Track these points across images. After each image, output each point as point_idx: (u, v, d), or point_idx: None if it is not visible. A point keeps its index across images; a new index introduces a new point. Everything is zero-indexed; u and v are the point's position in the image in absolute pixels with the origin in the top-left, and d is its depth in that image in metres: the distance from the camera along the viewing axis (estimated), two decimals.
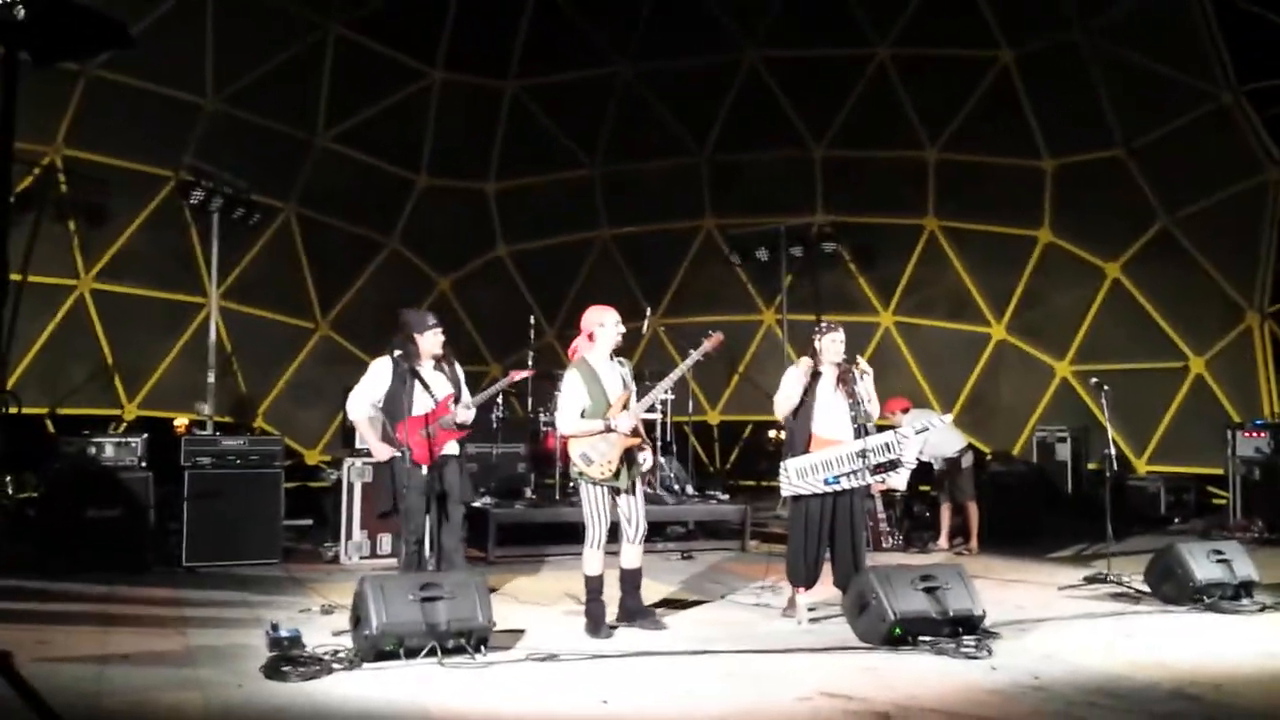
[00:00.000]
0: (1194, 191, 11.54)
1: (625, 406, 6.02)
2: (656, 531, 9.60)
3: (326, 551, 8.74)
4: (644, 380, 8.15)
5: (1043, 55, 11.96)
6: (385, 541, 8.51)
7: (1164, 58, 11.09)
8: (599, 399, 5.99)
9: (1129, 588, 7.30)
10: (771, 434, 14.13)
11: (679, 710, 4.54)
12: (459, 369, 6.58)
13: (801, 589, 6.38)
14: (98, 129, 10.89)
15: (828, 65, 12.98)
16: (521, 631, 5.86)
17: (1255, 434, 10.76)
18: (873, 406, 6.39)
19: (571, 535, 9.09)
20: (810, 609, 6.39)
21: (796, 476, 6.27)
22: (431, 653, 5.06)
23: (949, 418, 7.47)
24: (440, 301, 13.94)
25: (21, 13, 3.65)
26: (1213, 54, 10.82)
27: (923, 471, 8.73)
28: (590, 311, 6.24)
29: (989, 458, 11.86)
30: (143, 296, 11.78)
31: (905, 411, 9.39)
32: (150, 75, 10.94)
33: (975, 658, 5.33)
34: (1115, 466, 8.80)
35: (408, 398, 6.07)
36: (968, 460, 9.83)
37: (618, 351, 6.22)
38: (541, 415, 10.49)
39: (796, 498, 6.35)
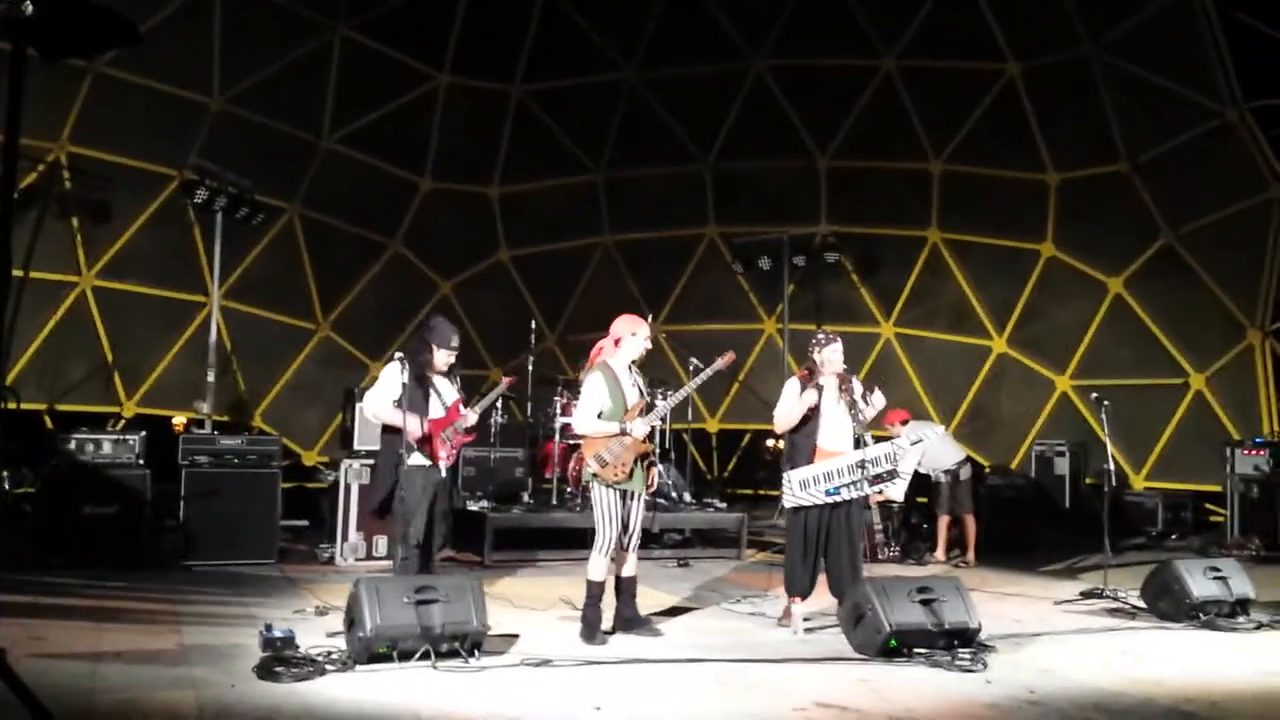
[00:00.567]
0: (1198, 208, 11.53)
1: (641, 413, 6.10)
2: (653, 538, 9.60)
3: (322, 553, 8.72)
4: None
5: (1049, 69, 11.95)
6: (381, 544, 8.50)
7: (1170, 74, 11.09)
8: (618, 403, 6.09)
9: (1125, 603, 7.31)
10: (769, 443, 14.13)
11: (672, 718, 4.53)
12: (457, 380, 6.61)
13: (798, 599, 6.38)
14: (103, 126, 10.90)
15: (834, 75, 12.97)
16: (516, 636, 5.86)
17: (1255, 451, 10.75)
18: (869, 412, 6.40)
19: (568, 540, 9.13)
20: (806, 619, 6.40)
21: (800, 487, 6.29)
22: (425, 656, 5.05)
23: (944, 429, 7.47)
24: (442, 305, 13.94)
25: (30, 9, 3.66)
26: (1219, 71, 10.82)
27: (920, 483, 8.73)
28: (623, 319, 6.32)
29: (987, 470, 11.82)
30: (144, 294, 11.78)
31: (904, 424, 9.37)
32: (157, 74, 10.96)
33: (971, 671, 5.32)
34: (1114, 482, 8.79)
35: (425, 400, 6.14)
36: (966, 473, 9.83)
37: (639, 365, 6.33)
38: (555, 411, 10.30)
39: (796, 508, 6.36)
